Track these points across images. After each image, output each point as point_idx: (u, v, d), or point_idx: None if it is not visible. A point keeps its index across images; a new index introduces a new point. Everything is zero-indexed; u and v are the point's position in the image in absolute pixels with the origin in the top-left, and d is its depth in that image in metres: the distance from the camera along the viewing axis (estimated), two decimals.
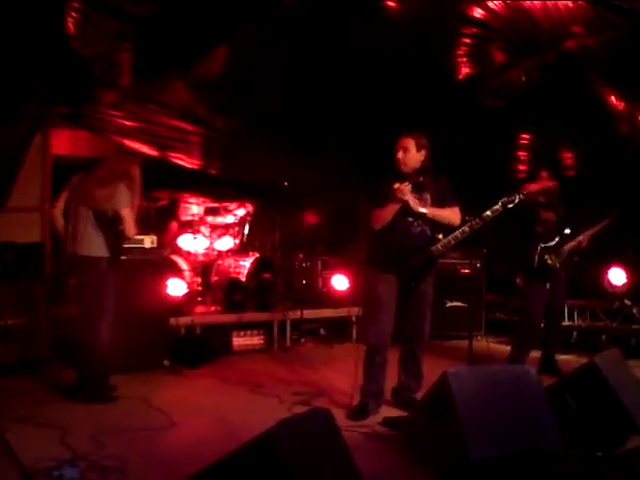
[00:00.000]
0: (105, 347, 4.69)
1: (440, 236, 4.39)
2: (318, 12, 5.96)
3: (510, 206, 4.31)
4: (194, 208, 7.82)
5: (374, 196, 4.47)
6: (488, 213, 4.29)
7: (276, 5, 5.41)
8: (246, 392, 5.06)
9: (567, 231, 5.85)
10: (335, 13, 5.97)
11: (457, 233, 4.36)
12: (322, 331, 7.57)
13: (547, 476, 3.32)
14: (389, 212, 4.34)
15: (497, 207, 4.31)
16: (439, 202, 4.43)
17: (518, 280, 6.03)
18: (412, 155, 4.39)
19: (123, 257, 4.95)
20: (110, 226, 4.72)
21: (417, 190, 4.40)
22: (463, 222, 4.39)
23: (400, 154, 4.40)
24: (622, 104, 7.11)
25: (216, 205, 7.79)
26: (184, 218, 7.74)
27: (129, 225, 4.75)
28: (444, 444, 3.21)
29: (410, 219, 4.38)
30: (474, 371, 3.42)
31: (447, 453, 3.17)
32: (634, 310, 7.30)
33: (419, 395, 4.34)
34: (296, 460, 2.56)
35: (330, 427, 2.93)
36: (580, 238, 5.86)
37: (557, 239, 5.77)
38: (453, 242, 4.39)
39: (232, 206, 7.91)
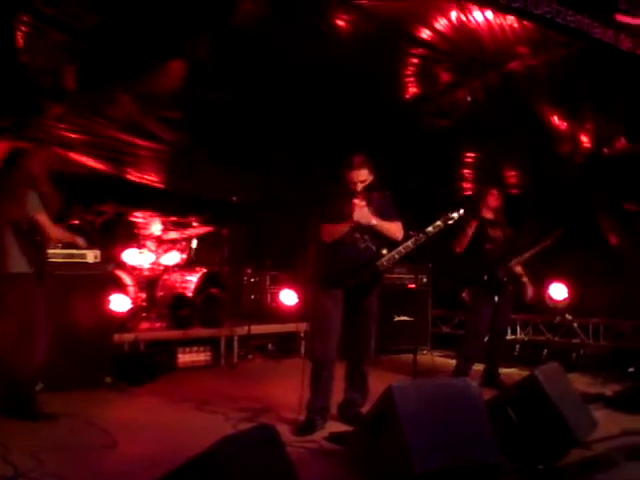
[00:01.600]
0: (40, 364, 4.55)
1: (385, 251, 4.44)
2: (269, 30, 6.00)
3: (450, 222, 4.40)
4: (144, 222, 7.71)
5: (325, 211, 4.47)
6: (430, 229, 4.38)
7: (221, 22, 5.42)
8: (191, 409, 4.97)
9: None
10: (287, 31, 6.02)
11: (401, 248, 4.42)
12: (270, 347, 7.53)
13: None
14: (343, 228, 4.36)
15: (439, 223, 4.40)
16: (381, 217, 4.48)
17: (464, 294, 6.14)
18: (368, 177, 4.44)
19: (49, 270, 4.71)
20: (28, 238, 4.47)
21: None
22: (407, 237, 4.45)
23: (358, 176, 4.41)
24: (564, 124, 7.35)
25: (163, 219, 7.68)
26: (131, 232, 7.61)
27: (48, 228, 4.50)
28: (388, 458, 3.22)
29: (357, 235, 4.42)
30: (418, 385, 3.46)
31: (390, 467, 3.18)
32: (575, 324, 7.52)
33: (365, 409, 4.35)
34: (240, 477, 2.53)
35: (275, 443, 2.90)
36: (525, 255, 6.00)
37: (504, 256, 5.91)
38: (397, 257, 4.44)
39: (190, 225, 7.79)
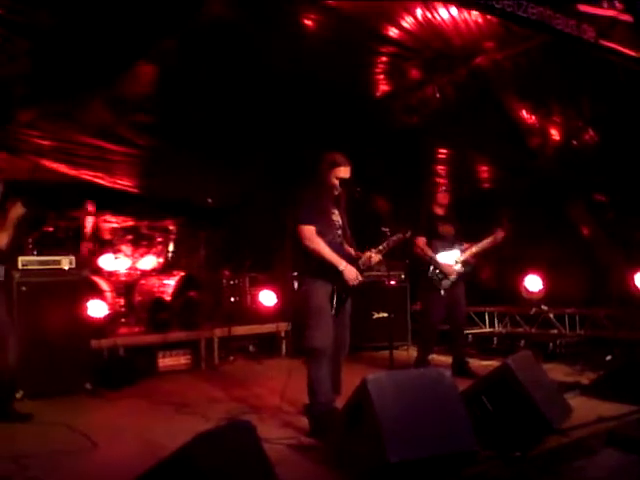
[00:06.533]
0: (15, 364, 4.56)
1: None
2: (236, 31, 6.02)
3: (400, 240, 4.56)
4: (120, 227, 7.68)
5: (308, 213, 4.41)
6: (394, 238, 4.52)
7: (189, 21, 5.41)
8: (171, 412, 4.96)
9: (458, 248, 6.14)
10: (255, 32, 6.05)
11: (380, 247, 4.50)
12: (251, 348, 7.55)
13: (464, 478, 3.41)
14: (331, 260, 4.33)
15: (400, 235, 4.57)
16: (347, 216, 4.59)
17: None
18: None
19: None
20: None
21: (335, 204, 4.53)
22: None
23: (346, 172, 4.42)
24: (533, 118, 7.43)
25: (138, 224, 7.66)
26: (104, 237, 7.56)
27: None
28: (364, 449, 3.25)
29: (334, 231, 4.47)
30: (393, 376, 3.49)
31: (367, 458, 3.22)
32: (551, 315, 7.62)
33: (339, 404, 4.39)
34: (216, 473, 2.55)
35: (251, 439, 2.92)
36: (472, 251, 6.13)
37: (452, 251, 6.08)
38: (376, 258, 4.51)
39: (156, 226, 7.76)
